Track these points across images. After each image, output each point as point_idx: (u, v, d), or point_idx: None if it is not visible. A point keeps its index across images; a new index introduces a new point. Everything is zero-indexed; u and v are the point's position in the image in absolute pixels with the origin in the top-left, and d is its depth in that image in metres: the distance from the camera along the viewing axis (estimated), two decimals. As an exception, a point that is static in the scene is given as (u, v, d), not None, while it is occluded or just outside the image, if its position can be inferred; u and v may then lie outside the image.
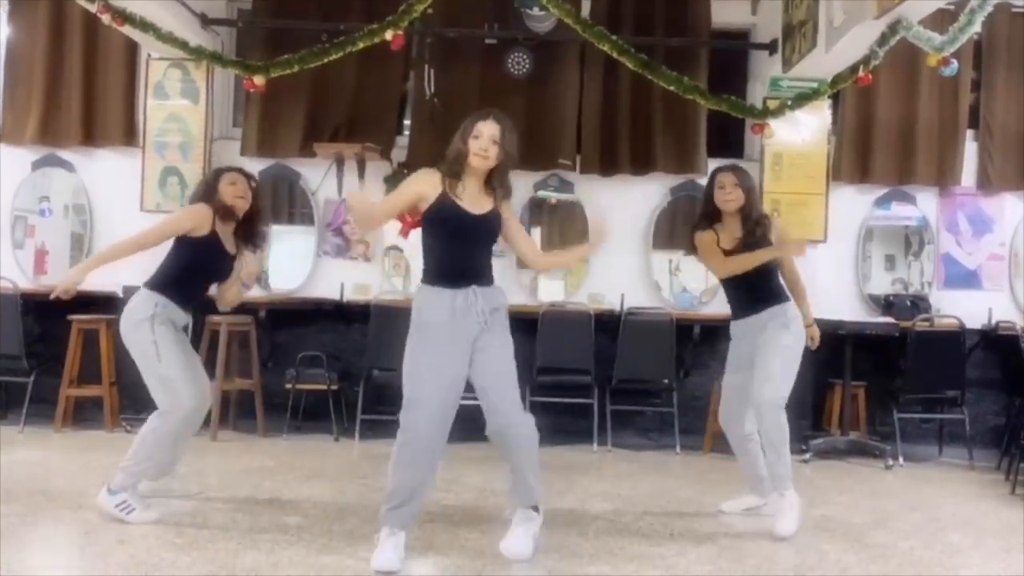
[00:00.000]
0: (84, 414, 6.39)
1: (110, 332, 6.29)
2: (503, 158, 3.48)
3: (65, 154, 6.92)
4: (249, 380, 6.30)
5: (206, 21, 6.49)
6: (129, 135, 6.82)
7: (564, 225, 7.09)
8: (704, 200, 4.40)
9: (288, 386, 6.36)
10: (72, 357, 6.24)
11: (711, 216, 4.34)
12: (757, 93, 6.80)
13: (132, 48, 6.71)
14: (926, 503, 5.02)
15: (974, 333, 6.54)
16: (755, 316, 4.26)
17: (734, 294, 4.37)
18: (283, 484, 4.77)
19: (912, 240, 7.13)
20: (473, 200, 3.48)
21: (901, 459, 6.03)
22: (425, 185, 3.48)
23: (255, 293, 6.73)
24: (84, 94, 6.80)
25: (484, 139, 3.43)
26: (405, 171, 6.68)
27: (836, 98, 6.61)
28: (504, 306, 3.58)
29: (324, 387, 6.32)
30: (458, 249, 3.49)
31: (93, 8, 5.56)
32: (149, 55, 6.64)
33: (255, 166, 6.85)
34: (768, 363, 4.15)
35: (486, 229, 3.53)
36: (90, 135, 6.83)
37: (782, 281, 4.37)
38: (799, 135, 6.63)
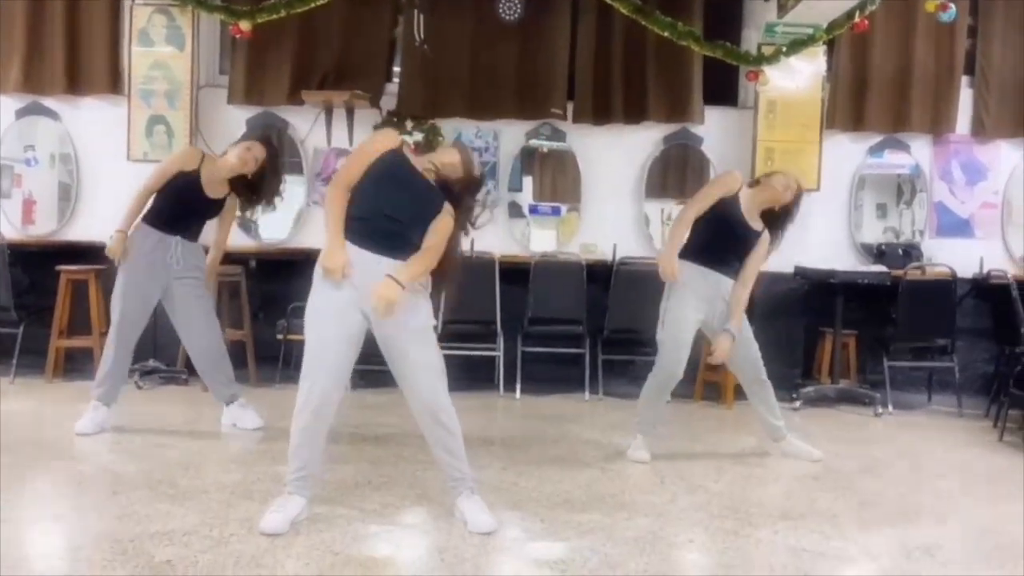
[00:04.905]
0: (75, 365, 6.36)
1: (99, 282, 6.25)
2: None
3: (49, 102, 6.79)
4: (240, 331, 6.28)
5: (190, -35, 6.35)
6: (114, 83, 6.69)
7: (556, 175, 7.03)
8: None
9: (279, 337, 6.34)
10: (61, 308, 6.19)
11: None
12: (752, 39, 6.70)
13: (116, -7, 6.58)
14: (915, 450, 5.07)
15: (965, 282, 6.56)
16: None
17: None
18: (275, 434, 4.76)
19: (904, 188, 7.10)
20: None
21: (891, 407, 6.07)
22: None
23: (245, 243, 6.71)
24: (67, 41, 6.64)
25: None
26: (394, 119, 6.63)
27: (831, 44, 6.52)
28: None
29: (316, 337, 6.30)
30: None
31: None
32: (133, 0, 6.50)
33: (242, 114, 6.79)
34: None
35: None
36: (74, 83, 6.70)
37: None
38: (793, 82, 6.54)
